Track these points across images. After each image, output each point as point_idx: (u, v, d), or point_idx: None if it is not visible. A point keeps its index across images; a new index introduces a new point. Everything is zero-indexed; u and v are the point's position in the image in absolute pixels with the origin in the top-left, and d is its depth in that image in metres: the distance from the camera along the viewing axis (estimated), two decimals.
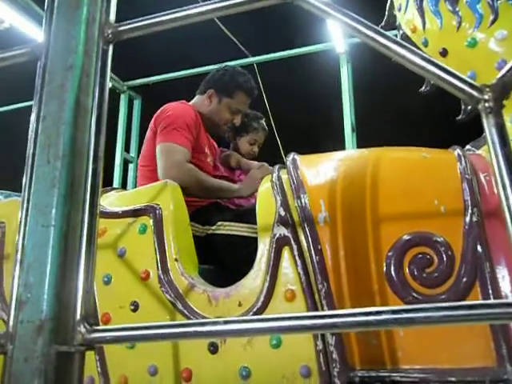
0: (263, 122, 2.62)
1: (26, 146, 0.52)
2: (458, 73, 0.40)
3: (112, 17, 0.56)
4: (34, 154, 0.50)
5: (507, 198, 0.36)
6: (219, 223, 1.71)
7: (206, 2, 0.53)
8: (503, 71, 0.39)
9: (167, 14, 0.55)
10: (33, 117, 0.53)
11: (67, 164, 0.49)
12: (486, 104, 0.38)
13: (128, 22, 0.55)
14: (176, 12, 0.54)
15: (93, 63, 0.53)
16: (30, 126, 0.52)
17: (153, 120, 2.00)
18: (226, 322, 0.39)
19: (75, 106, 0.51)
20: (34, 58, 0.57)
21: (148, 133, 2.03)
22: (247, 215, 1.68)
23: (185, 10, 0.54)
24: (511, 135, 1.32)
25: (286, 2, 0.48)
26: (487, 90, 0.39)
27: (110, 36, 0.54)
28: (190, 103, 2.15)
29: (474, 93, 0.39)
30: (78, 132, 0.51)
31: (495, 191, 1.13)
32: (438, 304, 0.35)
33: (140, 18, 0.55)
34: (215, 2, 0.53)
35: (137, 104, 5.67)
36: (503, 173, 0.37)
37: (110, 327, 0.43)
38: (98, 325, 1.31)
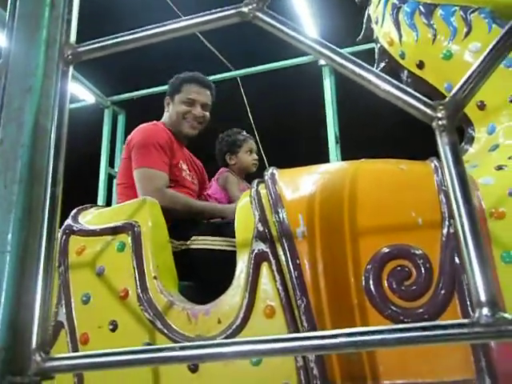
0: (244, 132, 2.75)
1: None
2: (411, 90, 0.40)
3: (72, 38, 0.56)
4: None
5: (460, 216, 0.36)
6: (193, 238, 1.71)
7: (166, 22, 0.53)
8: (455, 89, 0.39)
9: (128, 34, 0.54)
10: None
11: (24, 188, 0.48)
12: (440, 122, 0.38)
13: (88, 42, 0.54)
14: (137, 32, 0.54)
15: (52, 85, 0.53)
16: None
17: (127, 141, 2.05)
18: (181, 348, 0.38)
19: (34, 129, 0.50)
20: None
21: (123, 152, 2.07)
22: (221, 228, 1.70)
23: (146, 30, 0.54)
24: (487, 148, 1.33)
25: (244, 20, 0.48)
26: (440, 107, 0.39)
27: (70, 57, 0.54)
28: (161, 121, 2.21)
29: (428, 111, 0.39)
30: (36, 155, 0.50)
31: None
32: (393, 326, 0.34)
33: (101, 39, 0.55)
34: (175, 22, 0.53)
35: (121, 119, 5.65)
36: (457, 192, 0.37)
37: (66, 355, 0.42)
38: (77, 350, 1.28)
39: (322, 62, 4.68)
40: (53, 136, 0.51)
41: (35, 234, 0.47)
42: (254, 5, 0.47)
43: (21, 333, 0.43)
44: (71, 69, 0.54)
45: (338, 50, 0.45)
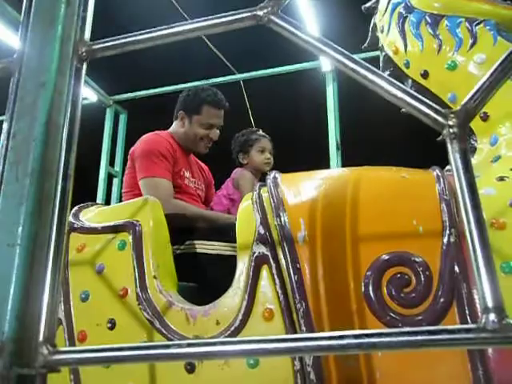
0: (260, 131, 2.72)
1: None
2: (423, 98, 0.41)
3: (87, 35, 0.56)
4: (2, 172, 0.50)
5: (469, 223, 0.36)
6: (187, 242, 1.72)
7: (180, 23, 0.54)
8: (466, 98, 0.40)
9: (141, 34, 0.55)
10: (3, 133, 0.52)
11: (36, 181, 0.48)
12: (451, 130, 0.39)
13: (103, 40, 0.55)
14: (150, 32, 0.54)
15: (66, 81, 0.53)
16: (0, 142, 0.52)
17: (130, 152, 2.12)
18: (189, 345, 0.39)
19: (46, 124, 0.51)
20: (8, 74, 0.57)
21: (128, 161, 2.13)
22: (216, 233, 1.71)
23: (159, 31, 0.54)
24: (489, 159, 1.34)
25: (258, 24, 0.48)
26: (451, 116, 0.39)
27: (84, 54, 0.54)
28: (168, 131, 2.24)
29: (439, 118, 0.40)
30: (48, 149, 0.50)
31: None
32: (399, 329, 0.35)
33: (115, 37, 0.55)
34: (189, 23, 0.54)
35: (122, 118, 5.66)
36: (466, 198, 0.37)
37: (73, 349, 0.43)
38: (75, 345, 1.28)
39: (325, 67, 4.70)
40: (65, 131, 0.51)
41: (45, 227, 0.47)
42: (269, 8, 0.48)
43: (28, 325, 0.43)
44: (85, 66, 0.55)
45: (351, 55, 0.46)
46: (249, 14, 0.49)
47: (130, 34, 0.56)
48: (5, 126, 0.53)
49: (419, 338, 0.34)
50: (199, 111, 2.16)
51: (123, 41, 0.55)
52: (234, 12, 0.51)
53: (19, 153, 0.50)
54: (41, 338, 0.43)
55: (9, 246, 0.45)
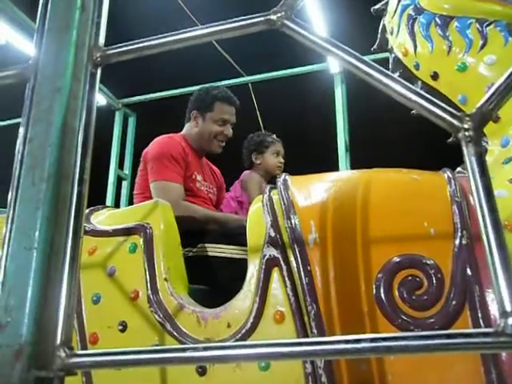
0: (274, 135, 2.79)
1: None
2: (438, 101, 0.41)
3: (101, 40, 0.57)
4: (19, 176, 0.50)
5: (485, 226, 0.36)
6: (200, 245, 1.73)
7: (194, 28, 0.54)
8: (482, 101, 0.39)
9: (156, 39, 0.55)
10: (20, 138, 0.53)
11: (52, 186, 0.49)
12: (466, 133, 0.39)
13: (117, 45, 0.55)
14: (164, 37, 0.55)
15: (81, 86, 0.54)
16: (17, 147, 0.52)
17: (143, 154, 2.13)
18: (205, 349, 0.39)
19: (62, 128, 0.51)
20: (23, 79, 0.57)
21: (141, 163, 2.14)
22: (228, 237, 1.71)
23: (173, 35, 0.55)
24: (500, 161, 1.33)
25: (272, 29, 0.49)
26: (467, 119, 0.39)
27: (99, 59, 0.55)
28: (181, 133, 2.25)
29: (455, 121, 0.40)
30: (64, 154, 0.51)
31: None
32: (416, 333, 0.35)
33: (129, 42, 0.56)
34: (203, 28, 0.54)
35: (131, 121, 5.69)
36: (482, 201, 0.37)
37: (90, 352, 0.43)
38: (86, 349, 1.29)
39: (333, 69, 4.69)
40: (80, 136, 0.52)
41: (61, 231, 0.48)
42: (283, 13, 0.48)
43: (46, 328, 0.44)
44: (99, 71, 0.55)
45: (365, 59, 0.46)
46: (262, 18, 0.49)
47: (143, 40, 0.57)
48: (21, 130, 0.53)
49: (435, 341, 0.34)
50: (212, 108, 2.18)
51: (137, 46, 0.56)
52: (247, 17, 0.51)
53: (35, 158, 0.50)
54: (58, 341, 0.43)
55: (26, 249, 0.46)
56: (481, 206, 0.37)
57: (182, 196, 1.96)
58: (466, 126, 0.39)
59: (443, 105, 0.41)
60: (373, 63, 0.46)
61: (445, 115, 0.40)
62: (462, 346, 0.34)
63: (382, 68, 0.45)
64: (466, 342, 0.34)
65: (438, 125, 0.42)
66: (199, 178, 2.14)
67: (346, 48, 0.46)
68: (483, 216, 0.37)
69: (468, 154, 0.39)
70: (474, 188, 0.38)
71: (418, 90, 0.43)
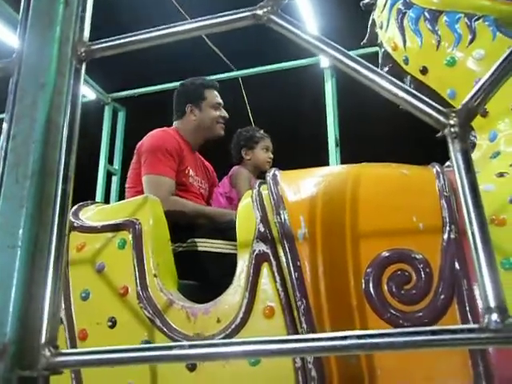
0: (262, 131, 2.80)
1: None
2: (424, 97, 0.41)
3: (86, 35, 0.56)
4: (2, 173, 0.49)
5: (471, 222, 0.36)
6: (190, 240, 1.73)
7: (180, 23, 0.54)
8: (468, 97, 0.39)
9: (141, 34, 0.55)
10: (3, 135, 0.52)
11: (36, 183, 0.48)
12: (452, 129, 0.39)
13: (101, 40, 0.54)
14: (150, 32, 0.54)
15: (65, 81, 0.53)
16: (0, 144, 0.52)
17: (137, 146, 2.12)
18: (191, 347, 0.39)
19: (46, 125, 0.51)
20: (6, 74, 0.56)
21: (134, 156, 2.13)
22: (218, 231, 1.72)
23: (158, 30, 0.54)
24: (488, 155, 1.34)
25: (258, 24, 0.48)
26: (453, 115, 0.39)
27: (83, 54, 0.54)
28: (173, 127, 2.25)
29: (440, 118, 0.40)
30: (48, 150, 0.50)
31: None
32: (402, 329, 0.35)
33: (114, 37, 0.55)
34: (188, 23, 0.53)
35: (121, 116, 5.65)
36: (467, 197, 0.37)
37: (75, 351, 0.43)
38: (76, 346, 1.28)
39: (323, 64, 4.69)
40: (65, 132, 0.51)
41: (46, 229, 0.47)
42: (269, 8, 0.48)
43: (30, 327, 0.43)
44: (84, 66, 0.55)
45: (352, 55, 0.46)
46: (248, 13, 0.49)
47: (129, 34, 0.56)
48: (4, 127, 0.53)
49: (422, 338, 0.34)
50: (204, 97, 2.23)
51: (122, 41, 0.55)
52: (233, 11, 0.51)
53: (19, 154, 0.50)
54: (43, 340, 0.43)
55: (9, 247, 0.45)
56: (466, 202, 0.37)
57: (172, 191, 1.95)
58: (451, 122, 0.39)
59: (429, 101, 0.41)
60: (360, 59, 0.46)
61: (431, 111, 0.40)
62: (448, 342, 0.34)
63: (368, 64, 0.45)
64: (452, 338, 0.34)
65: (425, 121, 0.42)
66: (192, 172, 2.14)
67: (333, 44, 0.46)
68: (468, 212, 0.37)
69: (454, 150, 0.39)
70: (459, 184, 0.38)
71: (405, 86, 0.42)
